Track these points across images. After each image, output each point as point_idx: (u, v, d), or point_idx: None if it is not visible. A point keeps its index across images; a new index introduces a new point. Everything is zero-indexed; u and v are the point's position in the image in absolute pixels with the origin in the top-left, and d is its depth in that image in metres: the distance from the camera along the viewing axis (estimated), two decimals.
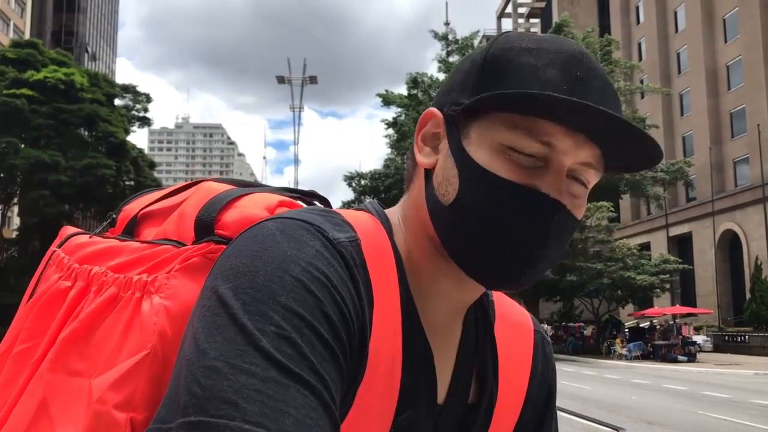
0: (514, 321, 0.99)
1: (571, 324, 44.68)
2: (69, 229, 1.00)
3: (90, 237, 0.96)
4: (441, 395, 0.86)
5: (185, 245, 0.84)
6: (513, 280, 0.78)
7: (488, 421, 0.91)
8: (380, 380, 0.77)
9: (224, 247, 0.78)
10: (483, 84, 0.78)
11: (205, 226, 0.85)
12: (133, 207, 1.00)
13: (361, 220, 0.83)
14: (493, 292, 0.98)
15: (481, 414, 0.90)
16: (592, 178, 0.80)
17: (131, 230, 0.96)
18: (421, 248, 0.84)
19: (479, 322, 0.94)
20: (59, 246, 0.96)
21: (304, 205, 0.92)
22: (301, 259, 0.71)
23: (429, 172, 0.83)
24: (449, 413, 0.87)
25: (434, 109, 0.85)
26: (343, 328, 0.70)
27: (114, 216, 1.01)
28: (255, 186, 0.96)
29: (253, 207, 0.86)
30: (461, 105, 0.80)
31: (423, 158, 0.84)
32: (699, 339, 34.79)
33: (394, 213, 0.90)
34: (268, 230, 0.74)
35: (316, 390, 0.63)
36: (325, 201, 1.00)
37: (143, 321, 0.77)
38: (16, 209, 46.18)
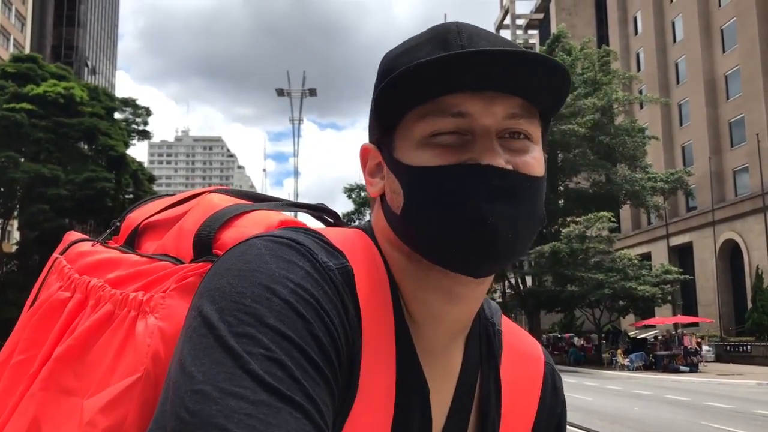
0: (523, 352, 0.97)
1: (561, 335, 44.54)
2: (73, 235, 1.00)
3: (92, 245, 0.96)
4: (438, 425, 0.84)
5: (183, 262, 0.84)
6: (489, 258, 0.76)
7: None
8: (371, 410, 0.74)
9: None
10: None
11: (204, 245, 0.84)
12: (137, 216, 0.99)
13: (354, 245, 0.81)
14: (503, 322, 0.96)
15: None
16: (528, 126, 0.78)
17: (133, 241, 0.96)
18: (400, 269, 0.82)
19: (483, 353, 0.91)
20: (62, 252, 0.96)
21: (306, 224, 0.90)
22: (290, 280, 0.69)
23: (383, 197, 0.84)
24: None
25: (367, 144, 0.87)
26: (333, 351, 0.69)
27: (118, 224, 1.01)
28: (260, 200, 0.95)
29: (252, 227, 0.85)
30: (377, 124, 0.82)
31: (373, 189, 0.85)
32: (702, 349, 34.66)
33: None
34: (257, 249, 0.72)
35: (309, 413, 0.61)
36: (334, 215, 0.99)
37: (137, 343, 0.76)
38: (15, 223, 46.13)
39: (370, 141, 0.86)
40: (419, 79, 0.74)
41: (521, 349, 0.97)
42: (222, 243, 0.83)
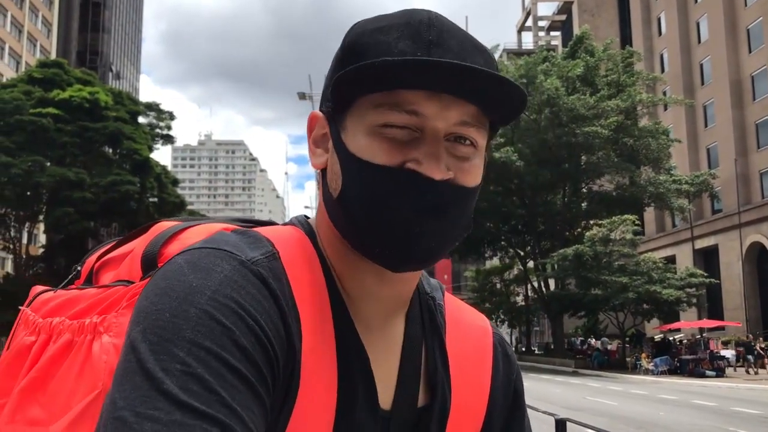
0: (468, 323, 0.98)
1: (585, 339, 44.17)
2: (37, 288, 1.03)
3: (54, 292, 0.98)
4: (387, 400, 0.85)
5: (135, 283, 0.86)
6: (405, 258, 0.78)
7: (443, 423, 0.89)
8: (316, 392, 0.76)
9: None
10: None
11: (150, 261, 0.87)
12: (94, 257, 1.02)
13: (281, 233, 0.83)
14: (447, 298, 0.98)
15: (434, 416, 0.89)
16: (477, 135, 0.79)
17: (91, 279, 0.99)
18: (334, 249, 0.84)
19: (426, 326, 0.92)
20: (28, 305, 0.98)
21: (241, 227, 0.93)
22: (207, 288, 0.70)
23: (325, 172, 0.84)
24: (398, 417, 0.86)
25: (316, 111, 0.86)
26: (259, 352, 0.69)
27: (78, 268, 1.04)
28: (204, 220, 0.97)
29: (195, 237, 0.87)
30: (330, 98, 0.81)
31: (315, 160, 0.86)
32: (727, 353, 34.17)
33: (314, 221, 0.90)
34: (177, 264, 0.74)
35: (225, 425, 0.62)
36: None
37: (94, 361, 0.79)
38: (42, 226, 46.76)
39: (321, 110, 0.86)
40: (380, 72, 0.74)
41: (466, 321, 0.98)
42: (166, 257, 0.85)
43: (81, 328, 0.84)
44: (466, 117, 0.77)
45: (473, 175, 0.80)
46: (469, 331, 0.97)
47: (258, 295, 0.73)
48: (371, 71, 0.74)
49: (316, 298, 0.79)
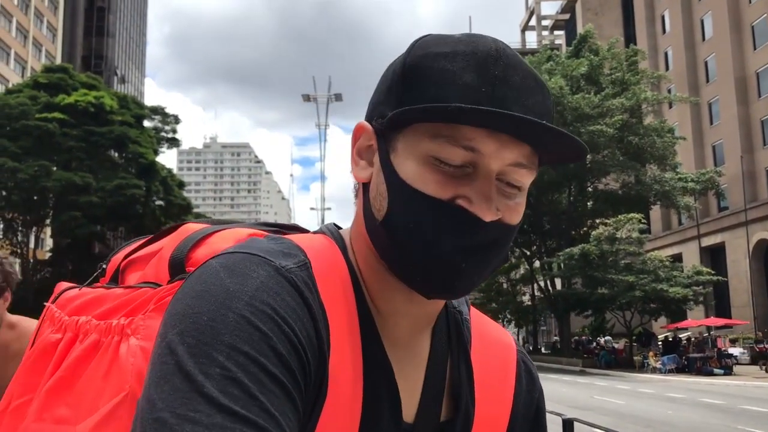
0: (493, 339, 0.98)
1: (592, 338, 44.06)
2: (62, 285, 1.04)
3: (80, 290, 0.99)
4: (410, 413, 0.85)
5: (162, 286, 0.87)
6: (447, 291, 0.79)
7: None
8: (342, 403, 0.76)
9: None
10: (404, 94, 0.78)
11: (178, 265, 0.87)
12: (120, 256, 1.04)
13: (313, 243, 0.83)
14: (472, 312, 0.98)
15: (456, 431, 0.89)
16: (525, 177, 0.79)
17: (117, 278, 1.00)
18: (367, 264, 0.84)
19: (452, 340, 0.92)
20: (53, 301, 1.00)
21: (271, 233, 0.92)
22: (245, 294, 0.70)
23: (367, 186, 0.83)
24: (421, 431, 0.86)
25: (365, 123, 0.84)
26: (294, 359, 0.69)
27: (104, 266, 1.05)
28: (231, 224, 0.97)
29: (222, 242, 0.87)
30: (386, 117, 0.79)
31: (359, 172, 0.84)
32: (735, 351, 34.06)
33: (346, 232, 0.90)
34: (212, 268, 0.74)
35: (265, 430, 0.62)
36: (307, 233, 0.99)
37: (121, 363, 0.80)
38: (49, 231, 46.93)
39: (369, 121, 0.84)
40: (447, 112, 0.73)
41: (491, 336, 0.98)
42: (194, 261, 0.86)
43: (108, 329, 0.85)
44: (522, 158, 0.77)
45: (518, 213, 0.80)
46: (494, 346, 0.97)
47: (292, 302, 0.73)
48: (444, 114, 0.73)
49: (344, 311, 0.79)
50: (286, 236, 0.85)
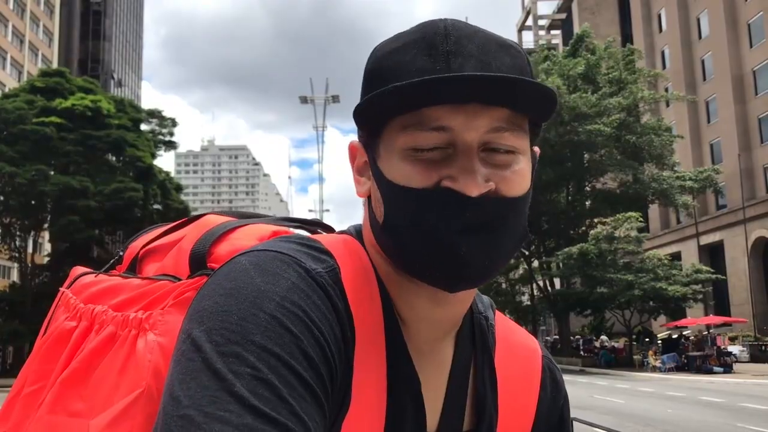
0: (518, 345, 0.96)
1: (591, 338, 44.05)
2: (78, 270, 1.03)
3: (96, 276, 0.98)
4: (433, 422, 0.84)
5: (181, 280, 0.85)
6: (457, 279, 0.75)
7: None
8: (365, 412, 0.75)
9: None
10: None
11: (199, 260, 0.86)
12: (138, 244, 1.02)
13: (342, 247, 0.81)
14: (497, 317, 0.96)
15: None
16: (513, 140, 0.75)
17: (135, 267, 0.98)
18: (383, 270, 0.83)
19: (477, 346, 0.91)
20: (69, 287, 0.99)
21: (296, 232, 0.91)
22: (276, 294, 0.69)
23: (370, 199, 0.83)
24: None
25: (355, 141, 0.86)
26: (323, 363, 0.68)
27: (121, 254, 1.03)
28: (254, 217, 0.96)
29: (245, 239, 0.87)
30: (360, 127, 0.81)
31: (360, 188, 0.85)
32: (735, 349, 34.07)
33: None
34: (242, 266, 0.72)
35: None
36: (329, 230, 0.98)
37: (138, 359, 0.78)
38: (47, 235, 46.85)
39: (359, 139, 0.85)
40: (397, 96, 0.72)
41: (516, 342, 0.96)
42: (216, 257, 0.85)
43: (125, 321, 0.83)
44: (498, 123, 0.74)
45: (518, 183, 0.76)
46: (519, 352, 0.95)
47: (322, 305, 0.71)
48: (389, 98, 0.72)
49: (371, 318, 0.78)
50: (313, 237, 0.83)
